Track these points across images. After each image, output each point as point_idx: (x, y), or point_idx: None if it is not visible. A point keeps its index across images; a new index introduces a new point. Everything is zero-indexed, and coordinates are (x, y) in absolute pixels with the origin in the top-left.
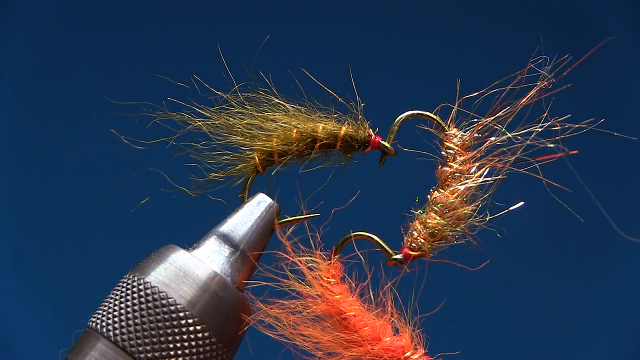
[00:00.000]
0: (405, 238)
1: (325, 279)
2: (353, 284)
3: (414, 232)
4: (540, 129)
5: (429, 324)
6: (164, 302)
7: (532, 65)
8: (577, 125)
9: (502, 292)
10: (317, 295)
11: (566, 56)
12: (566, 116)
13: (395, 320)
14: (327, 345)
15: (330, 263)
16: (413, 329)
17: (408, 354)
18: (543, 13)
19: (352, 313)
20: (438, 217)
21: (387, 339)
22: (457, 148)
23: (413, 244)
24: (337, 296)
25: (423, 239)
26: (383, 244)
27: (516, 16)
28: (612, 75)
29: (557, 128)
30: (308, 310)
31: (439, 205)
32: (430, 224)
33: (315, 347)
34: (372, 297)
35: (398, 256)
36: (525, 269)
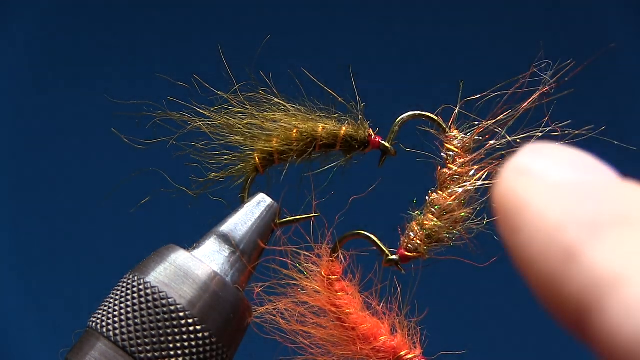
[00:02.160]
0: (402, 239)
1: (326, 275)
2: (352, 282)
3: (411, 234)
4: (540, 134)
5: (431, 325)
6: (164, 302)
7: (535, 69)
8: (577, 132)
9: (503, 293)
10: (316, 291)
11: (569, 61)
12: (566, 122)
13: (395, 320)
14: (320, 343)
15: (331, 260)
16: (410, 329)
17: (402, 353)
18: (547, 17)
19: (350, 310)
20: (435, 219)
21: (382, 338)
22: (457, 150)
23: (409, 245)
24: (339, 293)
25: (419, 240)
26: (380, 244)
27: (520, 19)
28: (615, 81)
29: (557, 134)
30: (306, 307)
31: (436, 207)
32: (427, 226)
33: (310, 345)
34: (372, 296)
35: (394, 257)
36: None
